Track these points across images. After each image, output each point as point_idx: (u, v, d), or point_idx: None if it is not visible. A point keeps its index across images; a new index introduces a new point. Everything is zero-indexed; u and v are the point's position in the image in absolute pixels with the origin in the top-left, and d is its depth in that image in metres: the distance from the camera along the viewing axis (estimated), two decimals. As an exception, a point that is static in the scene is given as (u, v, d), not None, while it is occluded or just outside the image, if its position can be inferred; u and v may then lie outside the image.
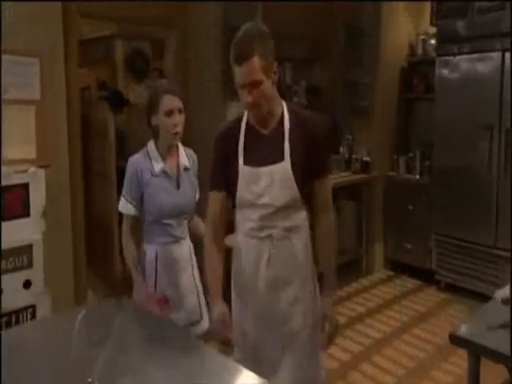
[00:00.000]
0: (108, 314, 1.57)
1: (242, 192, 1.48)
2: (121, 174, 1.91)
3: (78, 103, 2.78)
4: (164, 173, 1.80)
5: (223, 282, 1.50)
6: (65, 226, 2.62)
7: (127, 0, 2.90)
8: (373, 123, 4.10)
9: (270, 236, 1.48)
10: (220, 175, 1.50)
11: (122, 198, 1.80)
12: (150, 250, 1.82)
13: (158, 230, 1.80)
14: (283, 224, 1.48)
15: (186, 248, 1.87)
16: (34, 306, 2.40)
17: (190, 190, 1.86)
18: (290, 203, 1.46)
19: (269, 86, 1.41)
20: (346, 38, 4.17)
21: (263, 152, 1.46)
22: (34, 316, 2.39)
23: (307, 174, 1.45)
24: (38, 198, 2.44)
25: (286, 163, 1.44)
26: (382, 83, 4.04)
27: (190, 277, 1.86)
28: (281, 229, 1.48)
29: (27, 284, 2.39)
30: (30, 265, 2.40)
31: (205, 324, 1.88)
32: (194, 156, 1.93)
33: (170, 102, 1.74)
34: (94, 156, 3.46)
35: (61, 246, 2.59)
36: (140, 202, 1.79)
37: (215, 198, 1.51)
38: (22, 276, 2.37)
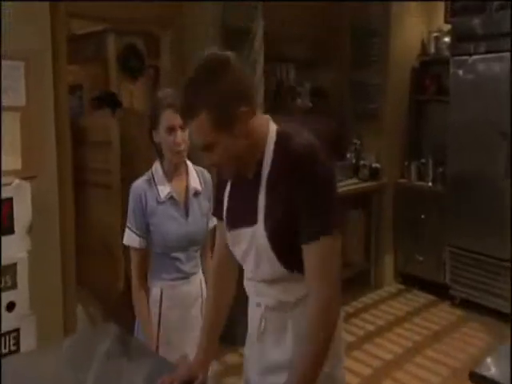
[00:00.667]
0: (95, 345, 1.50)
1: (230, 246, 1.25)
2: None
3: (67, 108, 2.71)
4: (171, 199, 1.70)
5: None
6: (53, 243, 2.55)
7: (121, 0, 2.83)
8: (382, 127, 4.05)
9: (260, 305, 1.21)
10: (219, 204, 1.29)
11: (127, 230, 1.71)
12: (154, 287, 1.73)
13: (165, 264, 1.71)
14: (278, 296, 1.17)
15: (196, 284, 1.77)
16: (17, 330, 2.32)
17: (200, 218, 1.74)
18: (278, 276, 1.14)
19: (233, 144, 1.06)
20: (352, 37, 4.12)
21: (240, 208, 1.18)
22: (17, 341, 2.31)
23: (293, 238, 1.07)
24: (23, 213, 2.37)
25: (259, 227, 1.11)
26: (392, 84, 3.99)
27: (197, 315, 1.76)
28: (275, 300, 1.18)
29: (11, 306, 2.31)
30: (13, 285, 2.32)
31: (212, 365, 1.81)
32: (207, 176, 1.80)
33: (171, 117, 1.63)
34: (94, 165, 3.37)
35: (48, 265, 2.53)
36: (147, 232, 1.70)
37: (219, 226, 1.35)
38: (5, 297, 2.29)
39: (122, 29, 4.51)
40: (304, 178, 1.04)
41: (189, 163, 1.77)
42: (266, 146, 1.11)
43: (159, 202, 1.68)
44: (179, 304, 1.72)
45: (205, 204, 1.75)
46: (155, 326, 1.69)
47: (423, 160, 3.99)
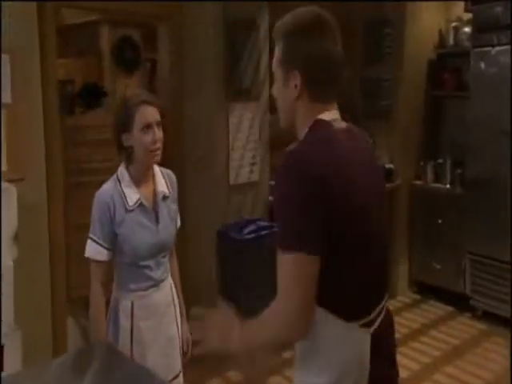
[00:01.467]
0: (84, 368, 1.45)
1: None
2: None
3: (57, 105, 2.66)
4: (140, 206, 1.66)
5: None
6: (41, 250, 2.51)
7: (122, 0, 2.79)
8: (395, 125, 3.99)
9: None
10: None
11: (91, 242, 1.64)
12: (123, 300, 1.69)
13: (133, 274, 1.68)
14: None
15: (166, 290, 1.77)
16: (1, 348, 2.26)
17: (170, 223, 1.75)
18: None
19: (284, 96, 1.21)
20: (363, 28, 4.07)
21: None
22: (0, 360, 2.24)
23: None
24: (8, 219, 2.31)
25: None
26: (407, 79, 3.93)
27: (171, 322, 1.78)
28: None
29: (-5, 321, 2.24)
30: (-2, 298, 2.25)
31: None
32: (173, 178, 1.81)
33: (147, 114, 1.61)
34: (89, 166, 3.33)
35: (36, 274, 2.48)
36: (114, 242, 1.65)
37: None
38: (-12, 311, 2.22)
39: (116, 19, 4.46)
40: (274, 185, 1.11)
41: (155, 167, 1.74)
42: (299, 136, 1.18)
43: (128, 210, 1.64)
44: (152, 313, 1.70)
45: (172, 207, 1.77)
46: (128, 340, 1.66)
47: (440, 160, 3.94)
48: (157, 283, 1.71)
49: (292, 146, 1.10)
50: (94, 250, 1.64)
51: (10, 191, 2.34)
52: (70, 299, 2.88)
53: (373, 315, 1.16)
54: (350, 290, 1.12)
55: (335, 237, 1.04)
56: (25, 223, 2.37)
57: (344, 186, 1.06)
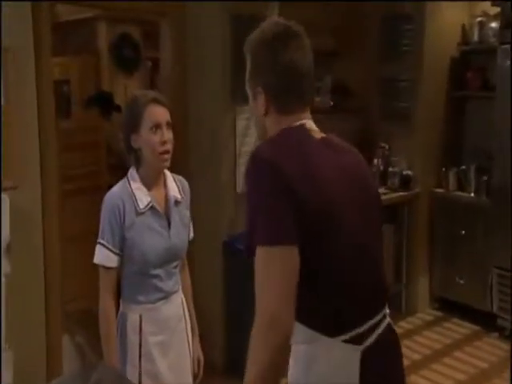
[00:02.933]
0: None
1: None
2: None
3: (53, 107, 2.68)
4: (151, 209, 1.69)
5: None
6: (35, 264, 2.52)
7: (121, 0, 2.81)
8: (415, 128, 3.98)
9: None
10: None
11: (101, 247, 1.66)
12: (131, 313, 1.71)
13: (142, 284, 1.69)
14: None
15: (177, 303, 1.79)
16: (-9, 370, 2.26)
17: (183, 229, 1.77)
18: None
19: (255, 109, 1.30)
20: (381, 23, 4.07)
21: None
22: (-9, 383, 2.24)
23: None
24: (0, 231, 2.31)
25: None
26: (427, 78, 3.92)
27: (182, 338, 1.80)
28: None
29: (-16, 340, 2.25)
30: (-12, 315, 2.26)
31: None
32: (186, 184, 1.85)
33: (156, 113, 1.64)
34: (85, 170, 3.37)
35: (30, 290, 2.49)
36: (123, 248, 1.68)
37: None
38: (-22, 330, 2.23)
39: (115, 16, 4.51)
40: (244, 179, 1.17)
41: (166, 172, 1.77)
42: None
43: (138, 213, 1.66)
44: (161, 328, 1.71)
45: (185, 214, 1.79)
46: (136, 356, 1.67)
47: (463, 166, 3.92)
48: (167, 295, 1.72)
49: (256, 147, 1.18)
50: (103, 256, 1.65)
51: (3, 200, 2.36)
52: (65, 314, 2.89)
53: (361, 330, 1.16)
54: (327, 301, 1.14)
55: (307, 246, 1.07)
56: (18, 234, 2.38)
57: (309, 191, 1.09)
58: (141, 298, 1.68)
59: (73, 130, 3.43)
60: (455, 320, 3.87)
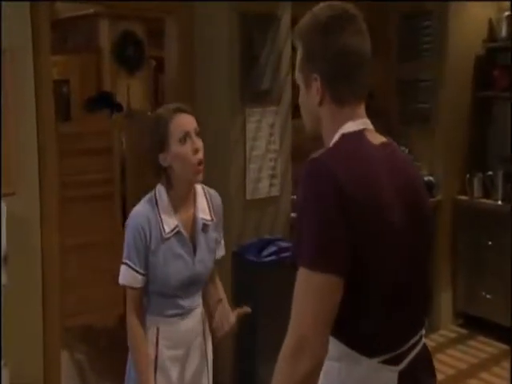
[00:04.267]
0: None
1: None
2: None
3: (52, 110, 2.70)
4: (177, 234, 1.72)
5: None
6: (33, 275, 2.54)
7: (123, 0, 2.84)
8: (437, 131, 3.97)
9: None
10: None
11: (127, 268, 1.70)
12: (149, 325, 1.77)
13: (161, 300, 1.76)
14: None
15: (196, 319, 1.84)
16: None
17: (208, 255, 1.80)
18: None
19: (305, 102, 1.31)
20: (398, 20, 4.07)
21: None
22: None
23: None
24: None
25: None
26: (450, 78, 3.91)
27: (199, 354, 1.84)
28: None
29: (-22, 356, 2.26)
30: (-17, 329, 2.27)
31: None
32: (218, 200, 1.85)
33: (184, 122, 1.67)
34: (87, 177, 3.40)
35: (27, 302, 2.51)
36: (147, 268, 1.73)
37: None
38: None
39: (117, 12, 4.54)
40: (297, 193, 1.14)
41: (197, 186, 1.78)
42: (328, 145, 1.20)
43: (163, 238, 1.70)
44: (178, 343, 1.76)
45: (213, 237, 1.80)
46: (151, 368, 1.71)
47: (490, 172, 3.91)
48: (185, 312, 1.77)
49: (315, 154, 1.14)
50: (130, 277, 1.69)
51: (2, 208, 2.37)
52: (64, 329, 2.91)
53: (399, 351, 1.16)
54: (369, 320, 1.12)
55: (354, 261, 1.05)
56: (15, 243, 2.39)
57: (367, 206, 1.08)
58: (159, 312, 1.74)
59: (76, 134, 3.45)
60: (481, 338, 3.84)
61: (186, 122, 1.66)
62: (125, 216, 3.13)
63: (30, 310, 2.53)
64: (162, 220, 1.69)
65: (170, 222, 1.70)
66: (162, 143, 1.66)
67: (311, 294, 1.05)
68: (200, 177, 1.69)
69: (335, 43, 1.16)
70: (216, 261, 1.87)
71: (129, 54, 4.86)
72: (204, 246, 1.77)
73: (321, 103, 1.20)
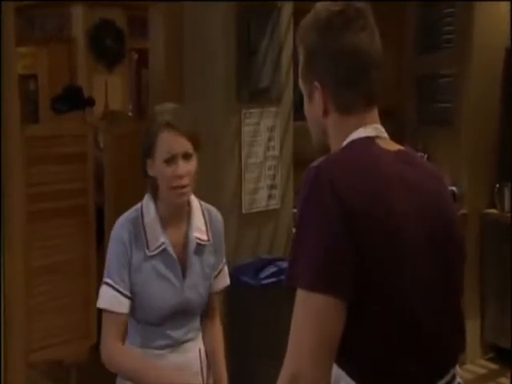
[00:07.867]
0: None
1: None
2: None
3: (18, 110, 2.71)
4: (163, 252, 1.69)
5: None
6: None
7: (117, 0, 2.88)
8: (460, 135, 4.01)
9: None
10: None
11: (108, 288, 1.65)
12: None
13: (146, 329, 1.72)
14: None
15: (191, 355, 1.79)
16: None
17: (202, 281, 1.76)
18: None
19: (309, 110, 1.33)
20: (415, 8, 4.11)
21: None
22: None
23: None
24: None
25: None
26: (475, 74, 3.95)
27: None
28: None
29: None
30: None
31: None
32: (218, 219, 1.84)
33: (170, 142, 1.64)
34: (56, 187, 3.40)
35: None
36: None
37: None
38: None
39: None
40: (297, 206, 1.15)
41: (194, 201, 1.77)
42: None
43: (147, 255, 1.67)
44: None
45: (210, 261, 1.78)
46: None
47: (523, 182, 3.94)
48: (176, 344, 1.72)
49: (315, 162, 1.14)
50: (111, 299, 1.65)
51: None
52: (28, 365, 2.88)
53: None
54: (382, 355, 1.11)
55: (358, 283, 1.05)
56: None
57: (373, 221, 1.07)
58: (143, 343, 1.71)
59: (44, 138, 3.44)
60: (514, 374, 3.85)
61: (173, 142, 1.63)
62: (101, 232, 3.12)
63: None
64: (146, 233, 1.67)
65: (155, 238, 1.68)
66: (149, 150, 1.66)
67: (309, 319, 1.05)
68: (182, 199, 1.68)
69: (336, 42, 1.17)
70: (217, 293, 1.85)
71: (107, 46, 4.87)
72: (197, 270, 1.74)
73: (325, 114, 1.21)
